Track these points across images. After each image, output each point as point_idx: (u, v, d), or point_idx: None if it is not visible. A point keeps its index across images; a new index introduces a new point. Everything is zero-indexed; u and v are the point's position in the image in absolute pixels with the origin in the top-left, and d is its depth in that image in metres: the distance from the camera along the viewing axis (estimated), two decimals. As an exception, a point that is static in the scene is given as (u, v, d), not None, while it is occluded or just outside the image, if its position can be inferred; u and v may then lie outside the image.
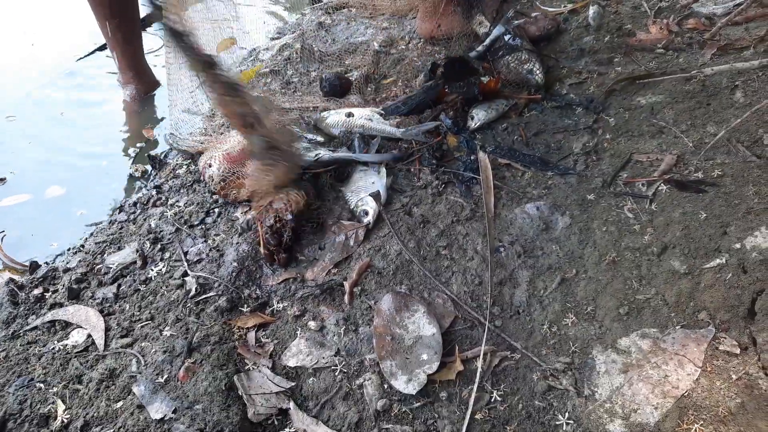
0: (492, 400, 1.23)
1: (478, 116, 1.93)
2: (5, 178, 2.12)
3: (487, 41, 2.23)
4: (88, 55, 2.88)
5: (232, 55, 2.55)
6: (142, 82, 2.49)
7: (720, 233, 1.38)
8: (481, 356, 1.29)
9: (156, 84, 2.55)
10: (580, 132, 1.86)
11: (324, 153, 1.78)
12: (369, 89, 2.24)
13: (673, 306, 1.30)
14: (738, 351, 1.18)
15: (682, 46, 2.13)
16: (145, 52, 2.52)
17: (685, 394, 1.15)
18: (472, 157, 1.80)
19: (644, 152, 1.71)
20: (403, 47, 2.48)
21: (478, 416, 1.20)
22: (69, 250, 1.77)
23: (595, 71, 2.12)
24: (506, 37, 2.17)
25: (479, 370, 1.27)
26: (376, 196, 1.61)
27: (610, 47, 2.21)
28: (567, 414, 1.18)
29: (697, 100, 1.83)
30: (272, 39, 2.73)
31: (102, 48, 2.88)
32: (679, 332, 1.25)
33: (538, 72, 2.06)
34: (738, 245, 1.33)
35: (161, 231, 1.70)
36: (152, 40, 3.01)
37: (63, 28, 3.07)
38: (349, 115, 1.93)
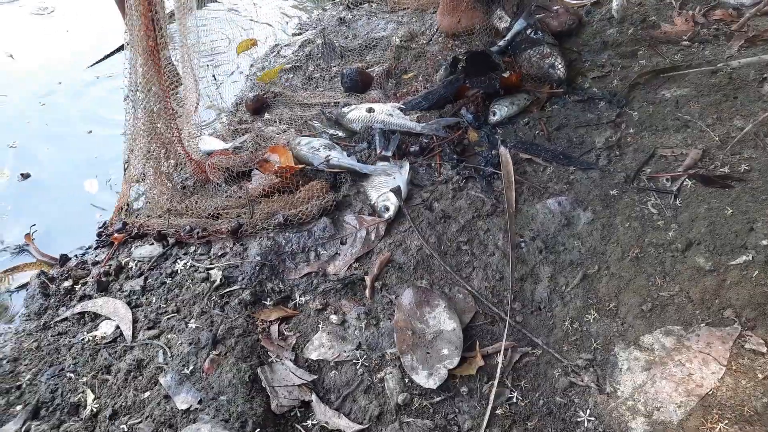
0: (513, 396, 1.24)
1: (500, 111, 1.93)
2: (29, 174, 2.16)
3: (509, 35, 2.21)
4: (107, 57, 2.91)
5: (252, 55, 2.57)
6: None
7: (746, 229, 1.36)
8: (502, 352, 1.29)
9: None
10: (603, 126, 1.84)
11: (334, 155, 1.78)
12: (390, 84, 2.24)
13: (697, 303, 1.28)
14: (764, 350, 1.16)
15: (709, 38, 2.09)
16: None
17: (710, 392, 1.14)
18: (493, 152, 1.79)
19: (669, 147, 1.69)
20: (424, 42, 2.48)
21: (498, 412, 1.21)
22: (98, 243, 1.81)
23: (618, 64, 2.09)
24: (528, 31, 2.16)
25: (500, 365, 1.27)
26: (397, 191, 1.62)
27: (633, 40, 2.17)
28: (588, 411, 1.18)
29: (723, 93, 1.80)
30: (294, 35, 2.74)
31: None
32: (704, 330, 1.23)
33: (560, 66, 2.04)
34: (765, 242, 1.31)
35: (186, 224, 1.73)
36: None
37: (99, 15, 3.09)
38: (370, 110, 1.94)
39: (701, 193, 1.50)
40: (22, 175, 2.16)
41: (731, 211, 1.41)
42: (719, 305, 1.26)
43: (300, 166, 1.76)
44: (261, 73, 2.46)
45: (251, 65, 2.67)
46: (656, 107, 1.85)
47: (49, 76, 2.75)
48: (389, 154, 1.79)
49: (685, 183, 1.55)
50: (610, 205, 1.56)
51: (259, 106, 2.17)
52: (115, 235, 1.74)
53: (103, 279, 1.61)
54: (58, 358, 1.43)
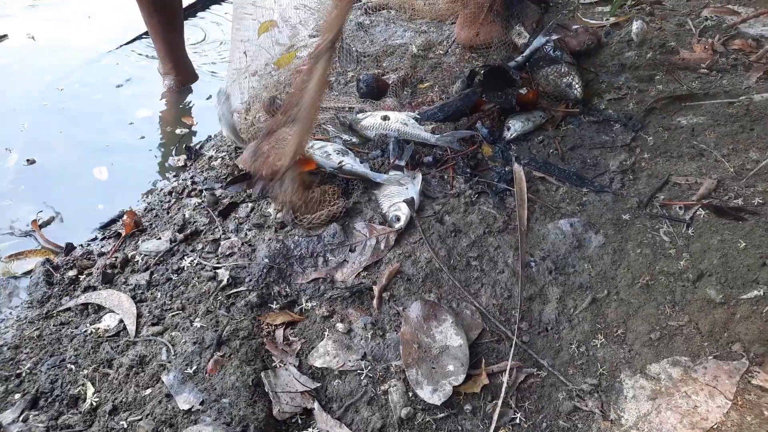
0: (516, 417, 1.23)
1: (515, 127, 1.92)
2: (34, 160, 2.14)
3: (527, 52, 2.21)
4: (127, 44, 2.92)
5: (272, 37, 2.55)
6: (181, 73, 2.52)
7: (759, 264, 1.36)
8: (507, 371, 1.29)
9: (194, 76, 2.59)
10: (618, 149, 1.84)
11: (348, 161, 1.77)
12: (405, 92, 2.24)
13: (706, 335, 1.28)
14: (772, 386, 1.16)
15: (727, 68, 2.10)
16: (186, 44, 2.56)
17: (714, 426, 1.13)
18: (506, 168, 1.79)
19: (683, 174, 1.69)
20: (441, 52, 2.48)
21: (501, 432, 1.20)
22: (104, 234, 1.81)
23: (635, 88, 2.09)
24: (546, 48, 2.16)
25: (505, 385, 1.26)
26: (410, 202, 1.62)
27: (651, 64, 2.18)
28: (592, 436, 1.18)
29: (740, 124, 1.80)
30: (311, 36, 2.74)
31: (144, 36, 2.93)
32: (711, 362, 1.23)
33: (577, 85, 2.04)
34: (777, 278, 1.31)
35: (195, 222, 1.72)
36: (194, 31, 3.06)
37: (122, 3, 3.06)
38: (385, 118, 1.94)
39: (714, 224, 1.50)
40: (27, 161, 2.14)
41: (744, 244, 1.41)
42: (728, 339, 1.26)
43: (314, 165, 1.75)
44: (280, 62, 2.45)
45: (266, 64, 2.66)
46: (671, 133, 1.85)
47: (69, 60, 2.75)
48: (402, 163, 1.79)
49: (698, 212, 1.55)
50: (622, 229, 1.56)
51: (276, 110, 2.16)
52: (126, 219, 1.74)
53: (109, 271, 1.60)
54: (59, 348, 1.42)
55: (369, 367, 1.31)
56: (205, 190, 1.85)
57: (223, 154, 2.04)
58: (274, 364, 1.33)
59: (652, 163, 1.77)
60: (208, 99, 2.53)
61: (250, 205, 1.75)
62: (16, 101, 2.46)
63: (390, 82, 2.26)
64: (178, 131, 2.34)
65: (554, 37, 2.20)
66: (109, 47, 2.86)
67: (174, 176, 2.07)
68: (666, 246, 1.49)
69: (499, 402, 1.24)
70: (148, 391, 1.28)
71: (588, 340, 1.34)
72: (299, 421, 1.24)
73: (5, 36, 2.87)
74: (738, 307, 1.29)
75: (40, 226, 1.86)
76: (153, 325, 1.43)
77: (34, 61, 2.76)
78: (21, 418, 1.25)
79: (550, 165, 1.81)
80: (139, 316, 1.46)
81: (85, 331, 1.44)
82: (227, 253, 1.60)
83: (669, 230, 1.52)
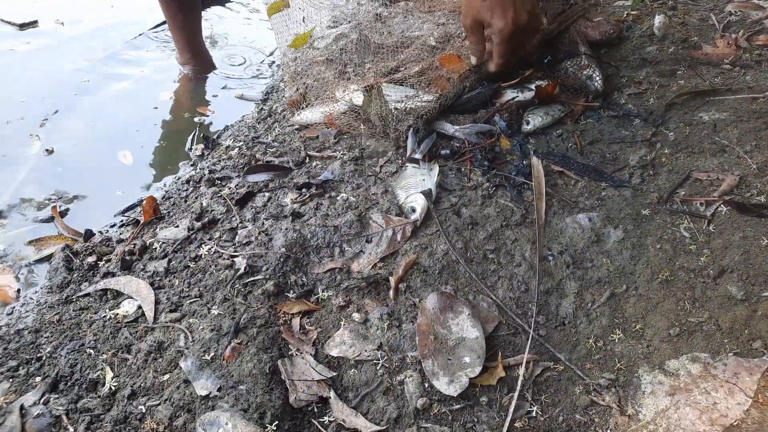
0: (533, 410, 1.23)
1: (534, 120, 1.91)
2: (53, 150, 2.16)
3: (547, 44, 2.19)
4: (139, 36, 2.93)
5: (285, 18, 2.55)
6: (199, 63, 2.54)
7: (782, 261, 1.34)
8: (524, 364, 1.28)
9: (212, 66, 2.60)
10: (638, 144, 1.82)
11: None
12: (422, 84, 2.22)
13: (726, 332, 1.26)
14: (794, 385, 1.14)
15: (751, 63, 2.06)
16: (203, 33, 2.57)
17: (734, 423, 1.12)
18: (524, 162, 1.77)
19: (704, 170, 1.66)
20: (459, 44, 2.45)
21: (517, 424, 1.20)
22: (123, 221, 1.82)
23: (656, 82, 2.06)
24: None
25: (521, 378, 1.26)
26: (427, 194, 1.61)
27: (673, 59, 2.14)
28: (609, 431, 1.17)
29: (764, 121, 1.77)
30: (328, 27, 2.73)
31: (161, 25, 2.94)
32: (732, 359, 1.21)
33: (597, 78, 2.02)
34: (801, 276, 1.29)
35: (212, 210, 1.73)
36: (211, 21, 3.07)
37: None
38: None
39: (736, 220, 1.48)
40: (47, 150, 2.15)
41: (767, 241, 1.39)
42: (749, 336, 1.25)
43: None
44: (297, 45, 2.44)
45: (283, 54, 2.66)
46: (693, 129, 1.83)
47: (96, 47, 2.77)
48: (419, 156, 1.78)
49: (719, 209, 1.52)
50: (641, 225, 1.54)
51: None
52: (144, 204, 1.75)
53: (127, 258, 1.62)
54: (78, 333, 1.44)
55: (385, 358, 1.32)
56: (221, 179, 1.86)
57: (240, 143, 2.05)
58: (290, 353, 1.34)
59: (672, 158, 1.74)
60: (223, 88, 2.54)
61: (267, 194, 1.75)
62: (45, 87, 2.48)
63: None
64: (196, 119, 2.35)
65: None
66: (132, 34, 2.87)
67: (192, 165, 2.08)
68: (686, 242, 1.47)
69: (516, 395, 1.23)
70: (166, 376, 1.29)
71: (606, 334, 1.33)
72: (315, 410, 1.25)
73: (35, 22, 2.89)
74: (760, 305, 1.28)
75: (61, 213, 1.88)
76: (171, 311, 1.45)
77: (62, 47, 2.78)
78: (42, 401, 1.27)
79: (569, 159, 1.79)
80: (157, 302, 1.48)
81: (104, 316, 1.46)
82: (244, 241, 1.61)
83: (689, 226, 1.51)
